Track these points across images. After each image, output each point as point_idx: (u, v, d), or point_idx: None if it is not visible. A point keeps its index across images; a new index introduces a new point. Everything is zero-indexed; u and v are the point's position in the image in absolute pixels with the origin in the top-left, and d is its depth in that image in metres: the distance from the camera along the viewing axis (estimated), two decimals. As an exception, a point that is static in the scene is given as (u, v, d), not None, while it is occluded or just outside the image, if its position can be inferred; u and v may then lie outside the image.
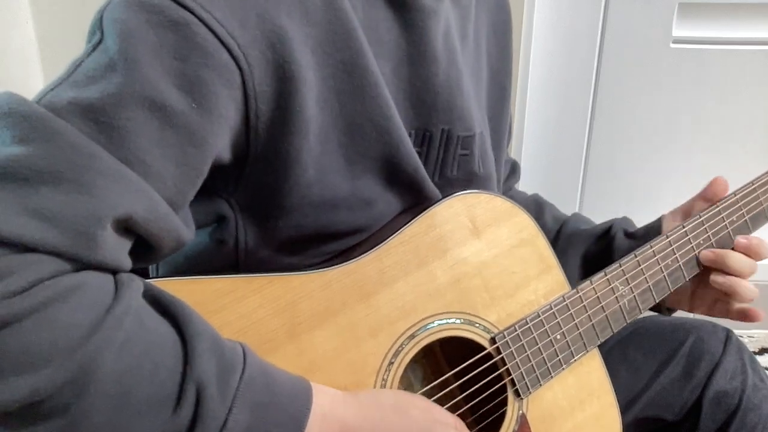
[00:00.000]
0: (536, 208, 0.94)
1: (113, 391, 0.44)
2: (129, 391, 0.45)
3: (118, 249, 0.48)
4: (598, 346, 0.74)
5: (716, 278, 0.76)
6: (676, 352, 0.83)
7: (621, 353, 0.85)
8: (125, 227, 0.48)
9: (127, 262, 0.50)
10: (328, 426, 0.54)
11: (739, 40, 1.37)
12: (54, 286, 0.43)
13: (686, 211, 0.81)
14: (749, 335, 1.58)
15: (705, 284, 0.78)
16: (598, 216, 0.93)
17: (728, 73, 1.39)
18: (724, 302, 0.78)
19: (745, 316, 0.77)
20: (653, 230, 0.82)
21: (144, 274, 0.54)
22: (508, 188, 0.96)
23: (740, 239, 0.77)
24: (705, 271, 0.77)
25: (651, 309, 0.79)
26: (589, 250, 0.86)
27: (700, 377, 0.82)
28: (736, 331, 0.86)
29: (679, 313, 0.86)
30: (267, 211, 0.60)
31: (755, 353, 1.54)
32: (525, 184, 1.48)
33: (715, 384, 0.81)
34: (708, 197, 0.79)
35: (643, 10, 1.35)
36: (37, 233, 0.43)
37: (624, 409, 0.80)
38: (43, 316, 0.43)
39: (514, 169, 0.96)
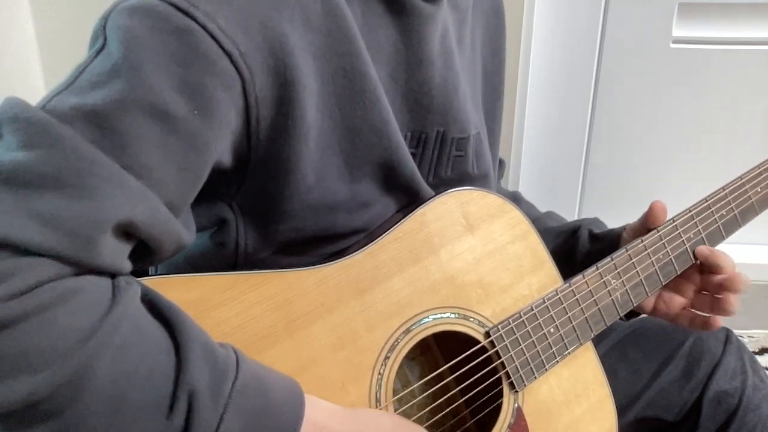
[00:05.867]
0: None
1: (108, 394, 0.44)
2: (124, 395, 0.45)
3: (117, 253, 0.48)
4: (597, 342, 0.74)
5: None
6: (676, 352, 0.83)
7: (621, 353, 0.85)
8: (126, 232, 0.48)
9: (127, 266, 0.50)
10: None
11: (739, 40, 1.37)
12: (53, 290, 0.44)
13: (634, 231, 0.79)
14: (749, 335, 1.57)
15: (677, 289, 0.77)
16: (598, 216, 0.93)
17: (728, 73, 1.39)
18: (688, 311, 0.77)
19: (706, 326, 0.76)
20: (614, 234, 0.81)
21: (144, 272, 0.55)
22: None
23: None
24: (680, 276, 0.76)
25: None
26: (555, 248, 0.84)
27: (700, 377, 0.81)
28: (736, 331, 0.86)
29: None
30: (267, 215, 0.61)
31: (755, 353, 1.53)
32: (525, 184, 1.49)
33: (715, 384, 0.80)
34: (646, 225, 0.77)
35: (643, 10, 1.35)
36: (38, 236, 0.43)
37: (624, 409, 0.80)
38: (42, 319, 0.43)
39: (499, 166, 0.95)
